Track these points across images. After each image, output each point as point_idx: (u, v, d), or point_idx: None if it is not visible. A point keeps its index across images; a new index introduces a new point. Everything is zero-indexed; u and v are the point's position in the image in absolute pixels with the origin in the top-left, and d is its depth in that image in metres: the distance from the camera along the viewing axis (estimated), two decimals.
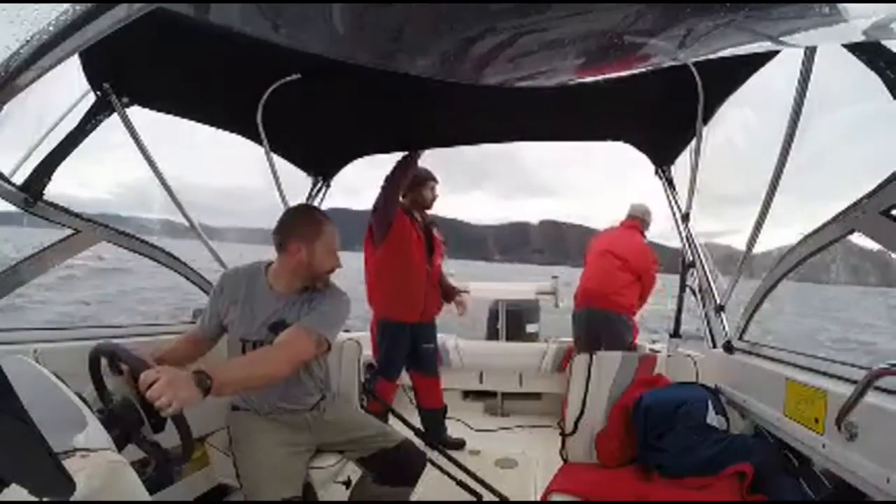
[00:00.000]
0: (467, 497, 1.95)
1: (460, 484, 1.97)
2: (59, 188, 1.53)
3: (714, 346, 1.97)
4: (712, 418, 1.55)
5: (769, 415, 1.45)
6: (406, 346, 2.68)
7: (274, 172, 2.37)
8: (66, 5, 0.40)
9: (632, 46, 0.59)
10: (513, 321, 3.73)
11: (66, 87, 1.51)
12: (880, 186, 1.11)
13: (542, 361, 3.37)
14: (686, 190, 2.12)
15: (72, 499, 0.58)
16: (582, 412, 1.73)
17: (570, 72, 0.66)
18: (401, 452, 1.60)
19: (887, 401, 1.05)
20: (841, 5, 0.52)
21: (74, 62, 1.44)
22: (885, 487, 0.99)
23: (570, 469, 1.67)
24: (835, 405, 1.14)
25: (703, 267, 2.11)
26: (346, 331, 3.03)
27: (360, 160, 2.73)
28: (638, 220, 3.33)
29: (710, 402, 1.59)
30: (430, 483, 1.96)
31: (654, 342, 3.17)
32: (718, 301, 2.00)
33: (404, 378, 2.84)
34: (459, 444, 2.82)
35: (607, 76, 0.68)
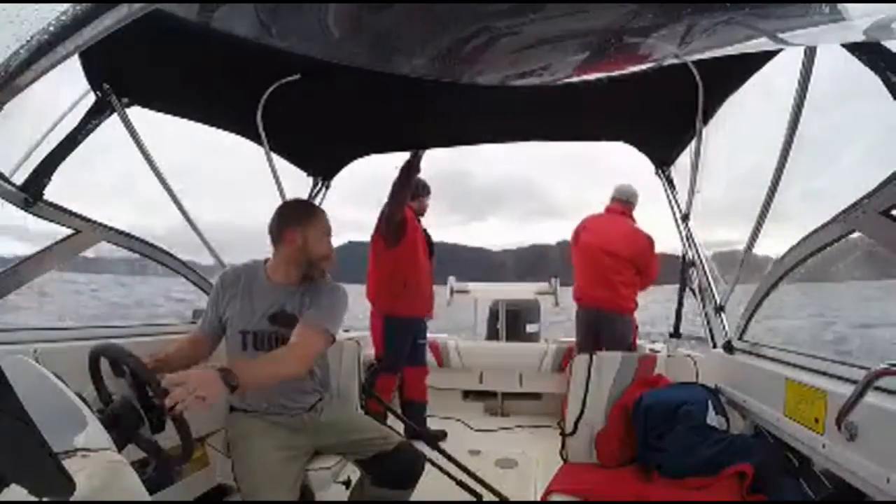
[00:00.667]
0: (467, 497, 1.95)
1: (460, 484, 1.97)
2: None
3: (714, 346, 1.97)
4: (712, 418, 1.55)
5: (769, 415, 1.45)
6: (410, 341, 2.84)
7: (274, 172, 2.37)
8: (66, 5, 0.40)
9: (631, 44, 0.59)
10: (513, 321, 3.74)
11: (66, 87, 1.51)
12: (880, 186, 1.11)
13: (542, 361, 3.37)
14: (686, 190, 2.12)
15: (72, 499, 0.58)
16: (582, 412, 1.73)
17: (568, 70, 0.66)
18: (399, 454, 1.60)
19: (887, 401, 1.05)
20: (841, 5, 0.52)
21: (74, 62, 1.44)
22: (885, 487, 0.99)
23: (570, 469, 1.67)
24: (835, 405, 1.14)
25: (703, 267, 2.11)
26: (346, 330, 3.04)
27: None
28: (621, 203, 3.11)
29: (710, 403, 1.59)
30: (430, 483, 1.96)
31: (653, 342, 3.17)
32: (718, 301, 2.00)
33: None
34: (441, 436, 2.89)
35: (607, 75, 0.68)
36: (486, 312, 3.93)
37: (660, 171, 2.34)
